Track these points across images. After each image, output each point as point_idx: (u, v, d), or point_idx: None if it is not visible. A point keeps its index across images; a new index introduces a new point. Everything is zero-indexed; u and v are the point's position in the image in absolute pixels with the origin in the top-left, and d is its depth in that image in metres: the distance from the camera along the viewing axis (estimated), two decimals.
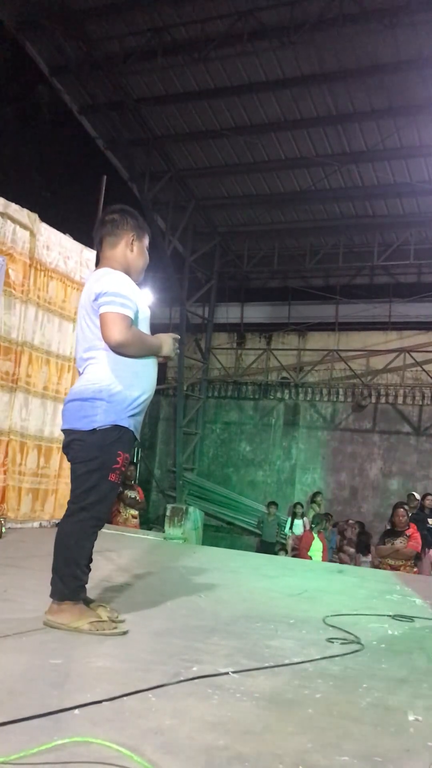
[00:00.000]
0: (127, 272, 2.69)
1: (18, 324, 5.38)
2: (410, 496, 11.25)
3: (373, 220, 13.69)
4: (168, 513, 11.40)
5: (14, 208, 5.33)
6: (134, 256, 2.73)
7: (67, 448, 2.59)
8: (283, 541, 11.69)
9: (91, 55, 11.52)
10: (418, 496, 10.86)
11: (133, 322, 2.56)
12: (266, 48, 10.44)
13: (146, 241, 2.80)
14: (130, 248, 2.72)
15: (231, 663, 2.21)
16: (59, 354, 5.85)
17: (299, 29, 9.84)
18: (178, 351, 2.80)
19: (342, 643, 2.64)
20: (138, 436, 2.69)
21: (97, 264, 2.81)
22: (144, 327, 2.68)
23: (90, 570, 2.54)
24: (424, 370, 13.97)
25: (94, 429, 2.48)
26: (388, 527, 8.89)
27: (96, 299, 2.53)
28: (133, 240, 2.72)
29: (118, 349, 2.51)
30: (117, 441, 2.51)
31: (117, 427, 2.51)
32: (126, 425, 2.53)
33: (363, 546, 9.68)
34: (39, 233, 5.58)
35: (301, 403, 15.01)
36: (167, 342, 2.69)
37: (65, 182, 12.05)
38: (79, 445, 2.51)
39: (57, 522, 5.26)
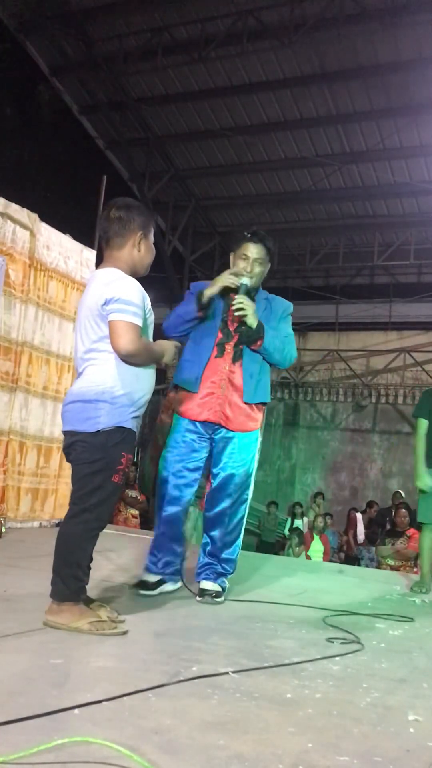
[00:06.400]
0: (135, 271, 2.69)
1: (18, 324, 5.38)
2: (396, 493, 11.26)
3: (373, 220, 13.70)
4: None
5: (14, 208, 5.32)
6: (142, 255, 2.70)
7: (68, 450, 2.59)
8: (283, 541, 11.70)
9: (91, 54, 11.53)
10: (404, 494, 10.87)
11: (142, 331, 2.57)
12: (266, 48, 10.45)
13: (151, 235, 2.75)
14: (138, 248, 2.68)
15: (231, 663, 2.21)
16: (59, 354, 5.85)
17: (299, 29, 9.85)
18: (177, 360, 2.85)
19: (342, 643, 2.64)
20: (137, 437, 2.70)
21: (99, 259, 2.79)
22: (150, 332, 2.71)
23: (90, 570, 2.55)
24: (424, 370, 13.97)
25: (98, 431, 2.49)
26: (389, 527, 8.89)
27: (106, 304, 2.51)
28: (140, 239, 2.68)
29: (127, 359, 2.53)
30: (121, 442, 2.52)
31: (120, 429, 2.52)
32: (129, 426, 2.55)
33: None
34: (39, 233, 5.58)
35: (301, 403, 15.01)
36: (169, 351, 2.73)
37: (65, 182, 12.04)
38: (83, 447, 2.51)
39: (57, 522, 5.28)
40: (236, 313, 3.33)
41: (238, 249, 3.45)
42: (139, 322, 2.52)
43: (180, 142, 13.02)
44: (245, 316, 3.32)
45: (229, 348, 3.39)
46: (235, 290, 3.36)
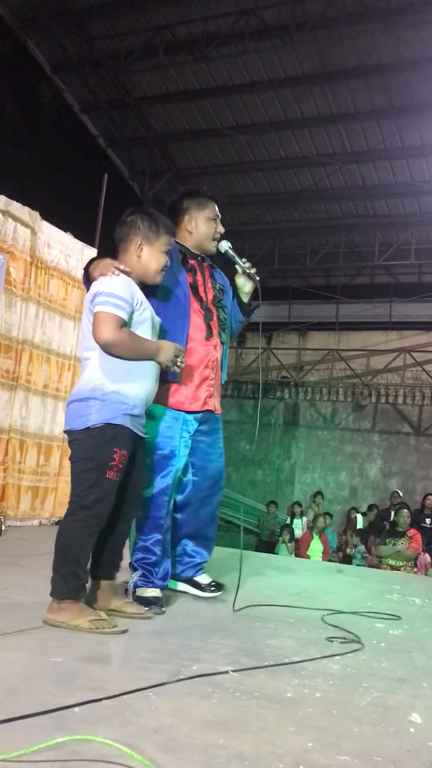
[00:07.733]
0: (138, 276, 2.70)
1: (18, 322, 5.39)
2: (394, 493, 11.31)
3: (374, 219, 13.70)
4: None
5: (15, 206, 5.33)
6: (143, 262, 2.72)
7: (69, 448, 2.62)
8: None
9: (93, 53, 11.53)
10: (401, 494, 10.97)
11: (126, 324, 2.56)
12: (268, 47, 10.45)
13: (160, 243, 2.73)
14: (138, 253, 2.71)
15: (231, 662, 2.21)
16: (60, 352, 5.85)
17: (301, 28, 9.85)
18: (181, 365, 2.68)
19: (342, 642, 2.63)
20: (141, 437, 2.67)
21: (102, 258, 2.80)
22: (145, 329, 2.66)
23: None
24: (424, 370, 13.98)
25: (88, 427, 2.50)
26: (388, 527, 8.90)
27: (93, 299, 2.56)
28: (141, 245, 2.71)
29: (107, 349, 2.52)
30: (113, 439, 2.51)
31: (111, 425, 2.51)
32: (121, 423, 2.52)
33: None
34: (40, 231, 5.58)
35: (301, 403, 15.01)
36: (166, 350, 2.65)
37: (66, 180, 12.03)
38: (77, 445, 2.54)
39: (57, 520, 5.28)
40: (257, 278, 3.14)
41: (201, 210, 3.11)
42: (122, 314, 2.52)
43: (181, 141, 13.02)
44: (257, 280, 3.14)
45: (213, 325, 3.06)
46: (223, 257, 3.13)
